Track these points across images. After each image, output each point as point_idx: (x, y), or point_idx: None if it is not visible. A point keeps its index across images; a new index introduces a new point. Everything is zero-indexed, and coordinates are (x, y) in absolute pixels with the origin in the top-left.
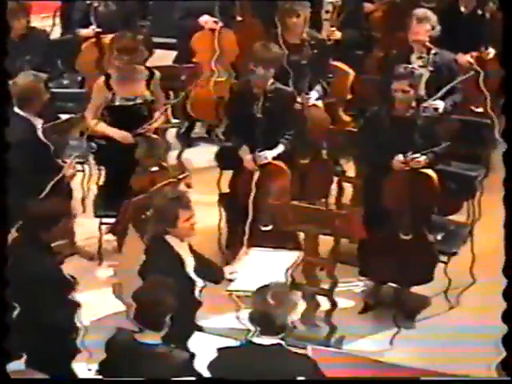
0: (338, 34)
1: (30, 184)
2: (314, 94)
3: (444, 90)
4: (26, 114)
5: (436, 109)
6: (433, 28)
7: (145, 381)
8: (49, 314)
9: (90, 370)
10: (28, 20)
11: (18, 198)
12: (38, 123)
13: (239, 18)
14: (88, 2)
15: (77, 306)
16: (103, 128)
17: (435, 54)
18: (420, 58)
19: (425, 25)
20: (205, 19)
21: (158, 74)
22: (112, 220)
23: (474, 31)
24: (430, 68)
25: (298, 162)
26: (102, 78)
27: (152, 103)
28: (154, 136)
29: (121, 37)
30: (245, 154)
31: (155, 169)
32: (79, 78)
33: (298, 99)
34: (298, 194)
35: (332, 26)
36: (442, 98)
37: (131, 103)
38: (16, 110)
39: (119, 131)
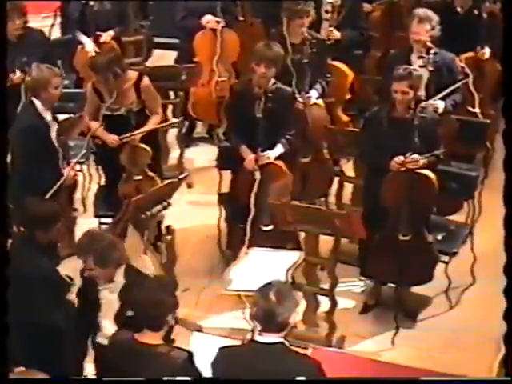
0: (337, 34)
1: (30, 175)
2: (313, 93)
3: (443, 93)
4: (39, 105)
5: (436, 109)
6: (433, 28)
7: (145, 381)
8: (45, 314)
9: None
10: (25, 20)
11: (18, 191)
12: (48, 116)
13: (241, 18)
14: (83, 1)
15: (73, 305)
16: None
17: (435, 53)
18: (420, 57)
19: (426, 25)
20: (207, 19)
21: (145, 78)
22: (112, 220)
23: (470, 31)
24: (430, 68)
25: (299, 161)
26: (90, 85)
27: (140, 111)
28: (140, 145)
29: (122, 35)
30: (246, 154)
31: (139, 178)
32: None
33: (299, 98)
34: (298, 193)
35: (331, 26)
36: (443, 98)
37: (116, 113)
38: (32, 99)
39: (107, 134)
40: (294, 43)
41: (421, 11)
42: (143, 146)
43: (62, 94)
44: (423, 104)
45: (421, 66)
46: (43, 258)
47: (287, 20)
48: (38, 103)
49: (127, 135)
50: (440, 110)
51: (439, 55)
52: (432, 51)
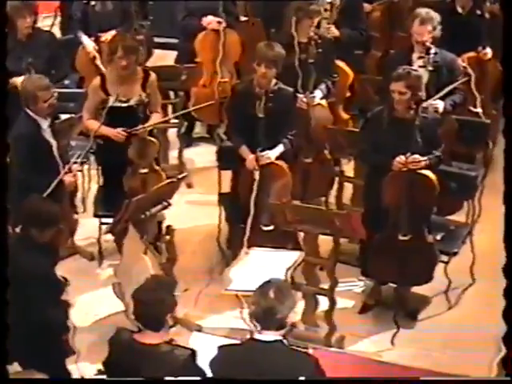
0: (335, 32)
1: (27, 180)
2: (318, 93)
3: (442, 92)
4: (33, 115)
5: (436, 109)
6: (434, 28)
7: (145, 381)
8: (42, 313)
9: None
10: (35, 20)
11: (15, 195)
12: (44, 124)
13: (243, 18)
14: (85, 1)
15: (69, 306)
16: (97, 127)
17: (435, 53)
18: (420, 57)
19: (428, 26)
20: (208, 20)
21: (153, 75)
22: (112, 220)
23: (472, 31)
24: (430, 68)
25: (301, 161)
26: (98, 79)
27: (147, 104)
28: (148, 138)
29: (124, 36)
30: (247, 153)
31: (145, 171)
32: (78, 78)
33: (304, 99)
34: (300, 193)
35: (329, 24)
36: (442, 98)
37: (125, 105)
38: (25, 109)
39: (111, 129)
40: (300, 42)
41: (423, 12)
42: (152, 138)
43: (61, 94)
44: (423, 104)
45: (420, 66)
46: (37, 257)
47: (297, 19)
48: (30, 112)
49: (137, 128)
50: (440, 110)
51: (439, 55)
52: (432, 51)
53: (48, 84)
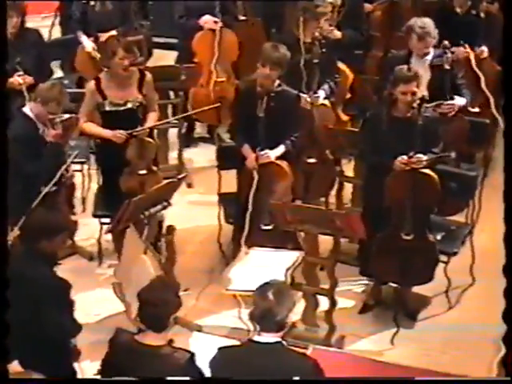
0: (337, 34)
1: (26, 180)
2: (321, 94)
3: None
4: (32, 115)
5: (458, 107)
6: (434, 37)
7: (144, 380)
8: (46, 317)
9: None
10: (23, 20)
11: (15, 193)
12: (41, 124)
13: (242, 18)
14: (85, 1)
15: (73, 308)
16: (95, 129)
17: (452, 52)
18: (439, 56)
19: (426, 41)
20: (206, 19)
21: (149, 75)
22: (112, 220)
23: (470, 31)
24: (447, 66)
25: (303, 161)
26: (93, 82)
27: (145, 105)
28: (147, 139)
29: (125, 35)
30: (248, 153)
31: (143, 172)
32: (78, 78)
33: (308, 99)
34: (302, 193)
35: (331, 26)
36: (452, 98)
37: (122, 108)
38: (24, 109)
39: (111, 131)
40: (304, 42)
41: (417, 28)
42: (150, 140)
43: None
44: (445, 103)
45: (437, 65)
46: (45, 267)
47: (304, 20)
48: (30, 113)
49: (138, 129)
50: (460, 106)
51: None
52: (451, 49)
53: (70, 105)
